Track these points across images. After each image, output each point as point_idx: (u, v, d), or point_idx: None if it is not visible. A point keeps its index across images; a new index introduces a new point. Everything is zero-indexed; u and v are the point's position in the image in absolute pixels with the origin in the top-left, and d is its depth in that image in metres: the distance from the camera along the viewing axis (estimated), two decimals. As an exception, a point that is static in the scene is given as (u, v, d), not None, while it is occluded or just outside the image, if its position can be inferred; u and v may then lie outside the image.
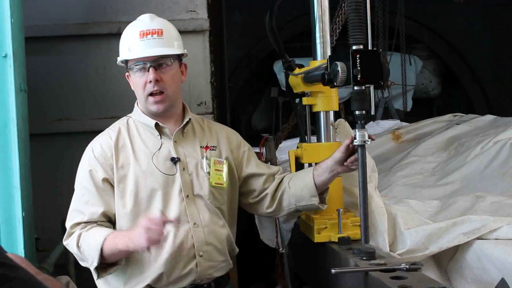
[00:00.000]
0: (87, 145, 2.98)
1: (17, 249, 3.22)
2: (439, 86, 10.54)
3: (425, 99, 10.53)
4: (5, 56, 3.23)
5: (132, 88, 2.91)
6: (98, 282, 2.89)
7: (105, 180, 2.82)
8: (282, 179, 3.02)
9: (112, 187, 2.83)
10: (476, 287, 2.76)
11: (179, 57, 2.90)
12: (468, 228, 2.81)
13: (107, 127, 3.02)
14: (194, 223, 2.81)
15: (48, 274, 3.08)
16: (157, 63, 2.79)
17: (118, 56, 2.95)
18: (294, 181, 2.98)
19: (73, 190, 2.96)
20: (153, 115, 2.89)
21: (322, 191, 2.95)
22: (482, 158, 4.16)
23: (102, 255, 2.68)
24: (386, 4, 7.71)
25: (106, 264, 2.74)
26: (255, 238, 3.98)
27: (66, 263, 4.20)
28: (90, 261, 2.72)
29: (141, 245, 2.58)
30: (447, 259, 2.90)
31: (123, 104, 4.58)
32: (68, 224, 2.84)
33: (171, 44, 2.84)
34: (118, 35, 4.69)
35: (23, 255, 3.15)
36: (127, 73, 2.92)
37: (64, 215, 4.38)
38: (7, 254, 1.67)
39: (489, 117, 5.26)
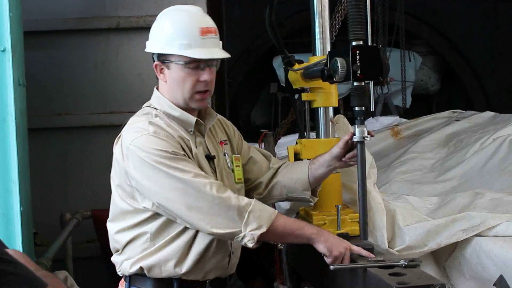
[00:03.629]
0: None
1: (15, 243, 3.22)
2: (438, 82, 10.54)
3: (424, 96, 10.53)
4: (4, 50, 3.23)
5: (162, 79, 2.75)
6: (127, 265, 2.72)
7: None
8: (277, 168, 3.01)
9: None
10: (475, 283, 2.75)
11: None
12: (467, 225, 2.81)
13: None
14: None
15: (46, 269, 3.08)
16: (211, 63, 2.71)
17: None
18: (289, 172, 2.97)
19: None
20: (182, 109, 2.75)
21: (316, 185, 2.95)
22: (481, 154, 4.16)
23: (273, 225, 2.55)
24: (386, 0, 7.71)
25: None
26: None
27: (64, 258, 4.21)
28: (257, 223, 2.52)
29: (335, 251, 2.56)
30: (446, 255, 2.90)
31: (121, 99, 4.59)
32: (205, 186, 2.54)
33: (221, 45, 2.77)
34: (117, 30, 4.74)
35: (21, 250, 3.15)
36: (157, 63, 2.73)
37: (63, 209, 4.41)
38: (7, 249, 1.67)
39: (488, 114, 5.25)
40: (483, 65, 10.07)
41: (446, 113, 5.70)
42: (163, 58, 2.72)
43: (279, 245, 3.67)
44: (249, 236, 2.53)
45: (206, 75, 2.68)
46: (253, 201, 2.58)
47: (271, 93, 9.98)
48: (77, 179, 3.36)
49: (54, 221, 4.30)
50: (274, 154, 4.11)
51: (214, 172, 2.74)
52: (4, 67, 3.23)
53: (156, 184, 2.57)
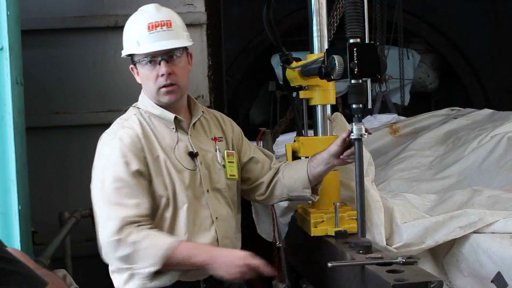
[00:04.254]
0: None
1: (13, 242, 3.22)
2: (436, 80, 10.54)
3: (422, 93, 10.53)
4: (1, 49, 3.22)
5: (139, 81, 2.83)
6: (120, 281, 2.73)
7: (139, 172, 2.67)
8: (278, 168, 3.02)
9: (146, 180, 2.69)
10: (473, 280, 2.76)
11: (186, 48, 2.84)
12: (465, 222, 2.82)
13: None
14: (216, 218, 2.79)
15: (45, 267, 3.08)
16: (168, 55, 2.72)
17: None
18: (288, 171, 2.98)
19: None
20: (162, 107, 2.80)
21: (315, 183, 2.95)
22: (479, 152, 4.16)
23: (164, 263, 2.56)
24: (384, -3, 7.70)
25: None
26: (252, 231, 3.98)
27: (63, 257, 4.21)
28: (146, 263, 2.56)
29: (220, 274, 2.57)
30: (444, 252, 2.91)
31: (120, 98, 4.59)
32: (112, 218, 2.61)
33: (180, 35, 2.78)
34: (115, 28, 4.73)
35: (19, 249, 3.15)
36: (131, 66, 2.83)
37: (62, 208, 4.40)
38: (6, 248, 1.67)
39: (486, 111, 5.26)
40: (481, 62, 10.07)
41: (444, 111, 5.70)
42: (132, 61, 2.81)
43: (277, 243, 3.67)
44: (144, 274, 2.59)
45: (163, 69, 2.71)
46: (141, 235, 2.58)
47: (270, 91, 9.98)
48: (76, 178, 3.36)
49: (52, 220, 4.30)
50: (273, 152, 4.11)
51: (195, 168, 2.76)
52: (1, 65, 3.22)
53: (93, 187, 2.76)
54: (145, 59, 2.73)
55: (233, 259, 2.59)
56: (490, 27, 9.94)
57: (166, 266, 2.59)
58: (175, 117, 2.79)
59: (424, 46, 10.31)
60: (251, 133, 3.90)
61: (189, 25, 4.56)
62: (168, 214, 2.70)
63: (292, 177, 2.95)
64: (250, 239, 3.11)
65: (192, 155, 2.78)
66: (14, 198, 3.23)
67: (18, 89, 3.43)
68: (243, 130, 3.15)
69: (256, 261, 2.57)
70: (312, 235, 3.02)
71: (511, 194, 3.29)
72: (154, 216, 2.68)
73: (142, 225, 2.60)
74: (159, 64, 2.72)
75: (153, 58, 2.72)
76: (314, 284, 3.34)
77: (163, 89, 2.74)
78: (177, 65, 2.74)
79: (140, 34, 2.73)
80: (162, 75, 2.72)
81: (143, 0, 4.49)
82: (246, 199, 3.19)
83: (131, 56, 2.80)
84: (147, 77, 2.76)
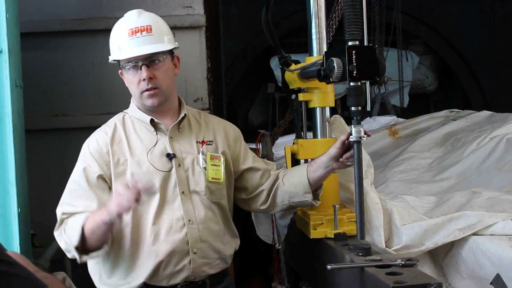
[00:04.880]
0: (83, 141, 2.97)
1: (13, 245, 3.21)
2: (435, 81, 10.54)
3: (421, 95, 10.53)
4: (1, 52, 3.22)
5: (126, 85, 2.91)
6: (95, 280, 2.89)
7: (100, 176, 2.81)
8: (277, 175, 3.02)
9: (107, 183, 2.82)
10: (472, 282, 2.76)
11: (171, 51, 2.88)
12: (464, 224, 2.82)
13: (104, 123, 3.01)
14: (189, 220, 2.81)
15: (44, 270, 3.08)
16: (149, 60, 2.78)
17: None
18: (288, 177, 2.98)
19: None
20: (149, 110, 2.89)
21: (316, 187, 2.95)
22: (478, 153, 4.17)
23: (83, 235, 2.67)
24: (383, -1, 7.71)
25: (90, 248, 2.73)
26: (252, 233, 3.99)
27: (62, 259, 4.20)
28: (72, 243, 2.70)
29: (112, 212, 2.57)
30: (443, 254, 2.91)
31: (119, 100, 4.56)
32: (58, 216, 2.84)
33: (161, 39, 2.82)
34: (114, 30, 4.73)
35: (19, 251, 3.15)
36: (119, 71, 2.90)
37: (60, 210, 4.39)
38: (6, 251, 1.67)
39: (485, 113, 5.26)
40: (480, 64, 10.07)
41: (443, 113, 5.71)
42: (119, 65, 2.88)
43: (277, 245, 3.68)
44: (75, 252, 2.72)
45: (144, 73, 2.77)
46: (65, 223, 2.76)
47: (269, 93, 9.98)
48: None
49: (51, 222, 4.29)
50: (272, 154, 4.11)
51: (170, 170, 2.82)
52: (1, 68, 3.22)
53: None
54: (128, 64, 2.79)
55: (116, 193, 2.62)
56: (488, 28, 9.95)
57: (88, 242, 2.69)
58: (151, 120, 2.86)
59: (423, 47, 10.32)
60: (250, 135, 3.91)
61: (188, 28, 4.61)
62: (127, 216, 2.73)
63: (292, 182, 2.95)
64: (249, 242, 3.12)
65: (169, 157, 2.83)
66: (13, 201, 3.23)
67: (17, 91, 3.43)
68: (242, 132, 3.16)
69: (133, 181, 2.59)
70: (311, 237, 3.02)
71: (510, 196, 3.29)
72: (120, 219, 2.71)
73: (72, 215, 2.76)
74: (141, 69, 2.77)
75: (136, 63, 2.78)
76: (314, 286, 3.34)
77: (146, 93, 2.81)
78: (158, 69, 2.79)
79: (121, 40, 2.81)
80: (144, 79, 2.78)
81: (142, 3, 4.52)
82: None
83: (118, 62, 2.87)
84: (131, 82, 2.83)
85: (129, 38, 2.78)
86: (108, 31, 4.66)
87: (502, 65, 9.91)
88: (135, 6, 4.01)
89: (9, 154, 3.23)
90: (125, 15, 2.90)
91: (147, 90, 2.80)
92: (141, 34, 2.78)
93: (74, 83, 4.72)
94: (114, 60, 2.89)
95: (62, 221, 2.80)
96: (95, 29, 4.71)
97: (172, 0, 4.69)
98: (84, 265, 2.87)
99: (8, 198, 3.23)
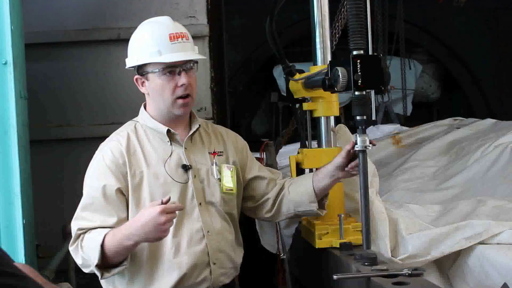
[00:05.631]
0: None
1: (18, 256, 3.21)
2: (439, 90, 10.54)
3: (425, 103, 10.53)
4: (5, 63, 3.23)
5: (144, 91, 2.83)
6: None
7: (118, 190, 2.71)
8: (283, 184, 3.02)
9: (124, 196, 2.73)
10: (478, 292, 2.75)
11: (196, 62, 2.84)
12: (470, 233, 2.81)
13: (108, 133, 2.96)
14: (208, 231, 2.79)
15: (49, 281, 3.07)
16: (186, 66, 2.74)
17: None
18: (294, 186, 2.97)
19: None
20: (164, 120, 2.82)
21: (322, 196, 2.94)
22: (483, 162, 4.16)
23: (103, 253, 2.59)
24: (386, 8, 7.72)
25: (109, 264, 2.66)
26: (256, 243, 3.98)
27: (67, 270, 4.20)
28: (92, 260, 2.63)
29: (161, 237, 2.56)
30: (449, 264, 2.90)
31: (123, 110, 4.59)
32: (73, 230, 2.74)
33: (195, 48, 2.81)
34: (117, 41, 4.74)
35: (23, 262, 3.15)
36: (136, 77, 2.81)
37: (65, 221, 4.39)
38: (14, 263, 1.67)
39: (489, 121, 5.26)
40: (483, 72, 10.08)
41: (447, 121, 5.71)
42: (141, 71, 2.79)
43: (281, 255, 3.67)
44: (97, 271, 2.64)
45: (184, 79, 2.73)
46: (83, 240, 2.68)
47: (272, 102, 9.97)
48: (80, 191, 3.35)
49: (56, 233, 4.29)
50: (276, 164, 4.11)
51: (187, 181, 2.78)
52: (5, 80, 3.23)
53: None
54: (166, 69, 2.72)
55: (155, 221, 2.51)
56: (491, 36, 9.95)
57: (110, 258, 2.63)
58: (168, 130, 2.81)
59: (426, 56, 10.32)
60: (253, 145, 3.90)
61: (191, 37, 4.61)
62: None
63: (298, 191, 2.94)
64: (254, 251, 3.11)
65: (185, 168, 2.79)
66: (18, 212, 3.23)
67: (22, 103, 3.43)
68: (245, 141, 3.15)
69: (169, 206, 2.53)
70: (316, 247, 3.01)
71: (516, 204, 3.28)
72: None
73: (90, 230, 2.69)
74: (179, 74, 2.72)
75: (173, 68, 2.72)
76: (319, 296, 3.33)
77: (180, 101, 2.75)
78: (191, 77, 2.77)
79: (161, 44, 2.72)
80: (182, 85, 2.72)
81: (146, 13, 4.53)
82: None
83: (139, 66, 2.79)
84: (163, 88, 2.75)
85: (171, 42, 2.72)
86: (112, 41, 4.71)
87: (506, 73, 9.91)
88: (138, 16, 4.03)
89: (14, 165, 3.24)
90: (153, 20, 2.84)
91: (181, 97, 2.75)
92: (182, 39, 2.74)
93: (78, 94, 4.73)
94: (137, 65, 2.79)
95: (78, 236, 2.71)
96: (98, 39, 4.73)
97: (176, 10, 4.70)
98: (89, 275, 2.84)
99: (13, 209, 3.24)
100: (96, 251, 2.60)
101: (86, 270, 2.74)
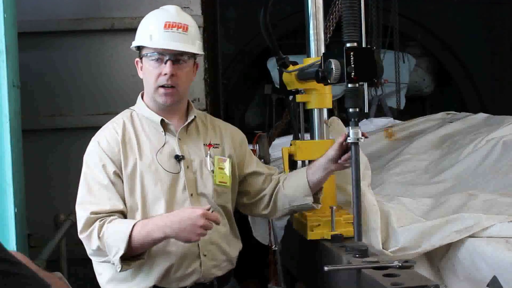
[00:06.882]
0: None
1: (9, 245, 3.21)
2: (432, 84, 10.56)
3: (418, 97, 10.55)
4: (-2, 52, 3.22)
5: (140, 75, 2.84)
6: (102, 283, 2.81)
7: (115, 173, 2.72)
8: (278, 179, 3.02)
9: (121, 180, 2.74)
10: (468, 284, 2.77)
11: (194, 56, 2.84)
12: (461, 226, 2.82)
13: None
14: None
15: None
16: (175, 57, 2.73)
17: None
18: (288, 181, 2.97)
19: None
20: (158, 109, 2.83)
21: (316, 190, 2.95)
22: (475, 156, 4.18)
23: (130, 244, 2.57)
24: (380, 1, 7.71)
25: (128, 256, 2.63)
26: (248, 235, 3.98)
27: (58, 259, 4.20)
28: (114, 250, 2.58)
29: (191, 239, 2.57)
30: (440, 256, 2.91)
31: (115, 101, 4.59)
32: (83, 216, 2.67)
33: (193, 42, 2.79)
34: (111, 31, 4.73)
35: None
36: (137, 59, 2.84)
37: (57, 211, 4.39)
38: (8, 251, 1.67)
39: (482, 116, 5.28)
40: (477, 66, 10.10)
41: (440, 115, 5.73)
42: (140, 54, 2.82)
43: (273, 246, 3.68)
44: (118, 262, 2.60)
45: (168, 69, 2.72)
46: (104, 227, 2.63)
47: (265, 94, 9.98)
48: (72, 180, 3.35)
49: (48, 222, 4.29)
50: (269, 156, 4.11)
51: (178, 172, 2.77)
52: (-2, 68, 3.23)
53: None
54: (153, 54, 2.74)
55: (193, 221, 2.54)
56: (485, 30, 9.97)
57: (133, 250, 2.60)
58: (162, 120, 2.81)
59: (420, 50, 10.34)
60: (247, 136, 3.90)
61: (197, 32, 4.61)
62: (138, 217, 2.70)
63: (292, 186, 2.94)
64: (245, 242, 3.11)
65: (177, 158, 2.79)
66: (10, 201, 3.23)
67: (14, 91, 3.43)
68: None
69: (214, 214, 2.58)
70: (308, 238, 3.02)
71: (507, 198, 3.29)
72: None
73: (106, 218, 2.65)
74: (165, 63, 2.73)
75: (161, 56, 2.73)
76: (310, 288, 3.34)
77: (162, 89, 2.76)
78: (181, 69, 2.76)
79: (155, 29, 2.75)
80: (165, 74, 2.73)
81: (140, 3, 4.52)
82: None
83: (139, 49, 2.82)
84: (150, 73, 2.77)
85: (164, 30, 2.73)
86: (105, 31, 4.70)
87: (499, 67, 9.93)
88: (132, 6, 4.03)
89: (6, 154, 3.23)
90: (162, 7, 2.85)
91: (164, 86, 2.75)
92: (177, 30, 2.74)
93: (71, 83, 4.73)
94: (136, 48, 2.84)
95: (93, 222, 2.64)
96: (92, 29, 4.72)
97: (170, 1, 4.67)
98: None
99: (4, 199, 3.23)
100: (123, 242, 2.56)
101: (98, 260, 2.73)
